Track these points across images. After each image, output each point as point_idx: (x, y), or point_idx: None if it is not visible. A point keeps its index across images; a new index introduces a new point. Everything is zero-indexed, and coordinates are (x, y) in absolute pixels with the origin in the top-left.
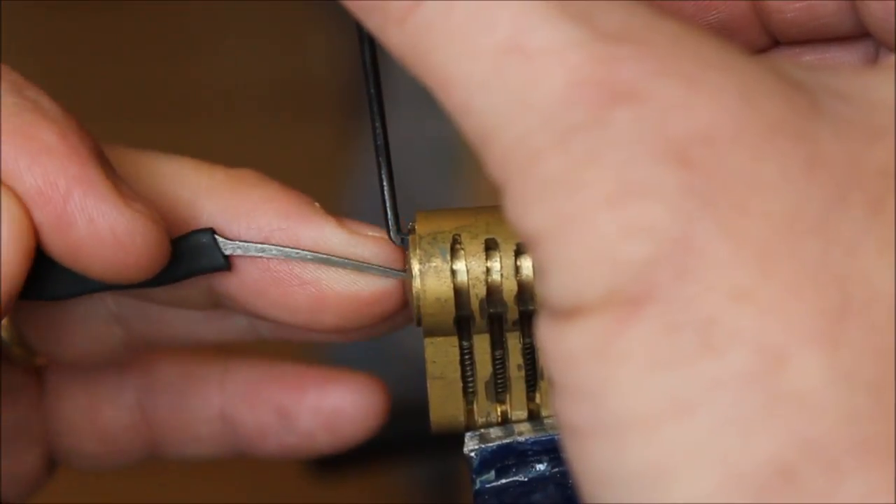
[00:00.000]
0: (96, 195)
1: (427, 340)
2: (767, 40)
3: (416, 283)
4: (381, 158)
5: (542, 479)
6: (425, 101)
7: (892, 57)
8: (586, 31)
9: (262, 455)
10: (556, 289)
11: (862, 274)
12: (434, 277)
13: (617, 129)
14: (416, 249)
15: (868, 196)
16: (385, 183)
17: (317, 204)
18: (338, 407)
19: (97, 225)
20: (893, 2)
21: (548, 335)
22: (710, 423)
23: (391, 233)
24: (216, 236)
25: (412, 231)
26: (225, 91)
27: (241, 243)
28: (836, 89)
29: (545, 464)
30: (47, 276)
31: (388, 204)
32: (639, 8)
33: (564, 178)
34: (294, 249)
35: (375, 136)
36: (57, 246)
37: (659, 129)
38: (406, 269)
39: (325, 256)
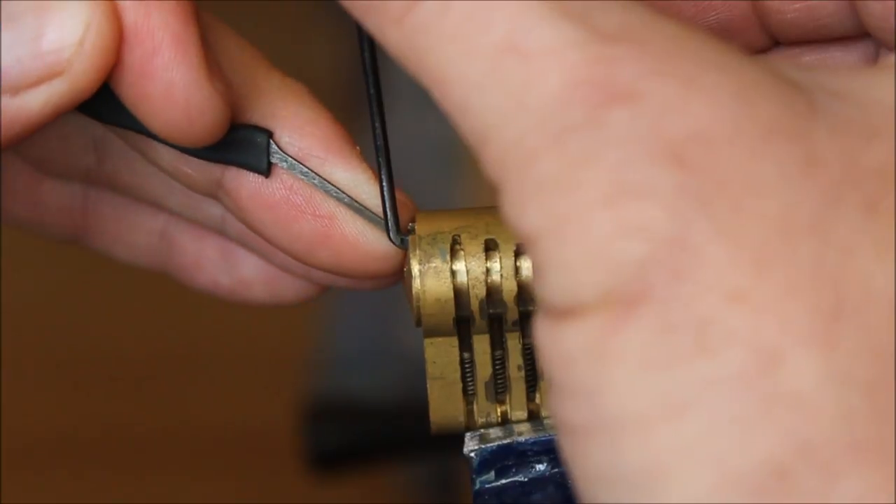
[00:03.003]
0: (187, 62)
1: (427, 341)
2: (767, 41)
3: (416, 284)
4: (381, 158)
5: (541, 479)
6: (425, 101)
7: (891, 57)
8: (584, 31)
9: (188, 285)
10: (553, 289)
11: (858, 274)
12: (434, 278)
13: (613, 129)
14: (415, 250)
15: (865, 196)
16: (385, 183)
17: (358, 147)
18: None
19: (174, 90)
20: (893, 2)
21: (544, 335)
22: (704, 424)
23: (391, 233)
24: (271, 141)
25: (412, 231)
26: None
27: (289, 158)
28: (833, 89)
29: (545, 464)
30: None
31: (387, 204)
32: (637, 8)
33: (560, 179)
34: (335, 188)
35: (375, 136)
36: (126, 86)
37: (655, 129)
38: (405, 270)
39: (360, 207)
